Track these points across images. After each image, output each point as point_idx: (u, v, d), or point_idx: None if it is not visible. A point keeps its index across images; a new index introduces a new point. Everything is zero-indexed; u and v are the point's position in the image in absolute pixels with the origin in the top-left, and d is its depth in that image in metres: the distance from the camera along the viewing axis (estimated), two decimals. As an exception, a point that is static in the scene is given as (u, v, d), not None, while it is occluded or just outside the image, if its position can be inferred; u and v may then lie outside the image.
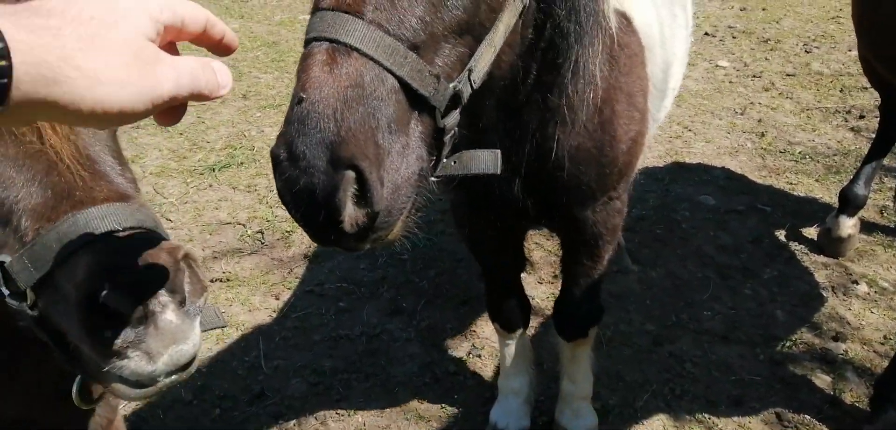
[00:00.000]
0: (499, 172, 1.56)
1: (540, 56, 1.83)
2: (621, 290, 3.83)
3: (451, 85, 1.37)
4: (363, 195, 1.22)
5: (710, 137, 5.44)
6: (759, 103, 5.91)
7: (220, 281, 3.98)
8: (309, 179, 1.19)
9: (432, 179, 1.45)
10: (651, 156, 5.22)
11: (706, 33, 7.45)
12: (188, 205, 4.75)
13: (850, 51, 6.82)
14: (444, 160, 1.47)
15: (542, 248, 4.11)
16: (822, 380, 3.24)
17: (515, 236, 2.71)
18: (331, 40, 1.25)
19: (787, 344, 3.42)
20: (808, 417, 3.05)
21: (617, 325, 3.59)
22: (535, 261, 4.02)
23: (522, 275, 3.85)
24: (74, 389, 1.28)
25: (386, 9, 1.28)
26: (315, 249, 4.21)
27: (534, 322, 3.56)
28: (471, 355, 3.46)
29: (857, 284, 3.87)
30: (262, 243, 4.30)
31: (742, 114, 5.75)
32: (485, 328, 3.61)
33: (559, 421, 2.94)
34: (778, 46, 7.15)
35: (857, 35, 3.62)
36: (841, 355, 3.38)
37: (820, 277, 3.94)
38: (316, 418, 3.10)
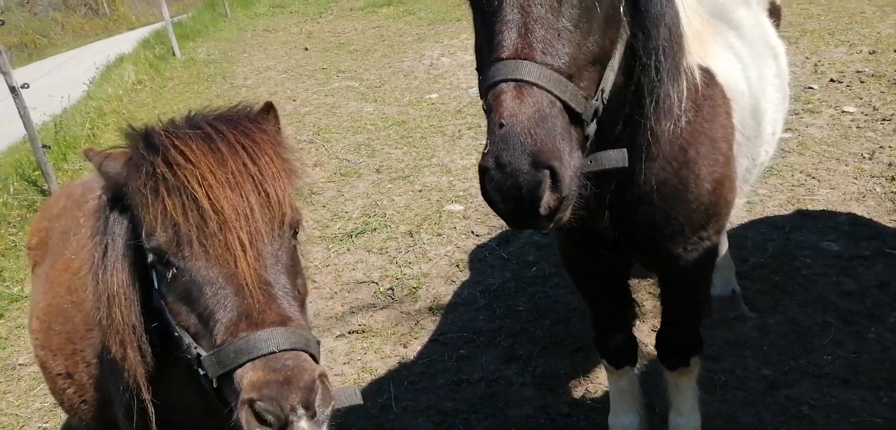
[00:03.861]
0: (626, 164, 1.94)
1: (630, 97, 2.14)
2: (737, 337, 3.87)
3: (592, 102, 1.82)
4: (555, 186, 1.67)
5: (835, 183, 5.32)
6: (890, 147, 5.70)
7: (357, 332, 4.44)
8: (515, 180, 1.63)
9: None
10: (772, 204, 5.20)
11: (832, 80, 7.26)
12: (329, 267, 5.32)
13: None
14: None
15: (654, 297, 4.23)
16: (957, 424, 3.12)
17: (617, 274, 2.92)
18: (516, 80, 1.69)
19: (914, 386, 3.32)
20: (938, 461, 2.95)
21: (732, 370, 3.63)
22: (647, 310, 4.14)
23: (636, 322, 4.03)
24: None
25: (550, 52, 1.73)
26: (439, 302, 4.59)
27: (645, 366, 3.70)
28: (585, 399, 3.64)
29: None
30: (393, 299, 4.74)
31: (870, 158, 5.57)
32: (599, 374, 3.77)
33: (669, 456, 3.05)
34: (914, 88, 6.83)
35: None
36: (979, 400, 3.23)
37: (957, 320, 3.76)
38: (440, 452, 3.40)
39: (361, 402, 1.76)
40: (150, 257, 1.65)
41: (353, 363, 4.19)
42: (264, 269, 1.56)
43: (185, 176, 1.57)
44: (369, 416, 3.71)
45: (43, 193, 7.86)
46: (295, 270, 1.67)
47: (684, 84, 2.25)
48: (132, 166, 1.66)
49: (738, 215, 5.11)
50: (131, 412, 1.93)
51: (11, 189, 7.91)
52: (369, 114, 9.05)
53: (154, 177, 1.59)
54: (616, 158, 1.94)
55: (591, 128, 1.86)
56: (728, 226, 4.79)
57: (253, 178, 1.62)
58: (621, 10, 1.95)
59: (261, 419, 1.41)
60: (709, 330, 3.93)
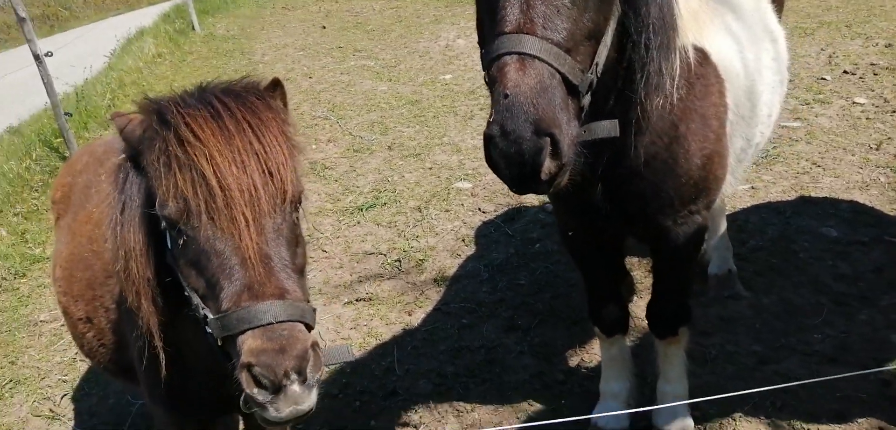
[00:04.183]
0: (617, 134, 2.05)
1: (622, 73, 2.25)
2: (730, 314, 3.98)
3: (588, 75, 1.94)
4: (555, 153, 1.79)
5: (840, 172, 5.38)
6: (898, 138, 5.74)
7: (364, 300, 4.60)
8: (519, 146, 1.75)
9: None
10: (775, 190, 5.27)
11: (845, 71, 7.28)
12: (340, 238, 5.48)
13: None
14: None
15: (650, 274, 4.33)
16: (939, 403, 3.21)
17: (611, 245, 3.03)
18: (519, 53, 1.80)
19: (899, 365, 3.42)
20: (918, 435, 3.05)
21: (723, 345, 3.74)
22: (643, 287, 4.26)
23: (634, 298, 4.15)
24: (241, 401, 1.74)
25: (549, 27, 1.84)
26: (444, 274, 4.73)
27: (638, 338, 3.83)
28: (580, 368, 3.77)
29: None
30: (400, 270, 4.89)
31: (877, 149, 5.62)
32: (595, 345, 3.90)
33: (656, 423, 3.17)
34: (927, 81, 6.85)
35: None
36: (964, 382, 3.32)
37: (949, 306, 3.84)
38: (439, 412, 3.56)
39: (354, 358, 1.91)
40: (163, 223, 1.79)
41: (359, 328, 4.35)
42: (265, 243, 1.69)
43: (195, 154, 1.70)
44: (373, 377, 3.87)
45: (64, 159, 8.07)
46: (295, 241, 1.80)
47: (676, 62, 2.35)
48: (148, 138, 1.79)
49: (741, 199, 5.21)
50: (143, 356, 2.09)
51: (34, 155, 8.13)
52: (383, 93, 9.17)
53: (166, 152, 1.72)
54: (608, 128, 2.05)
55: (586, 99, 1.97)
56: (729, 209, 4.90)
57: (257, 155, 1.74)
58: None
59: (258, 382, 1.57)
60: (704, 307, 4.04)
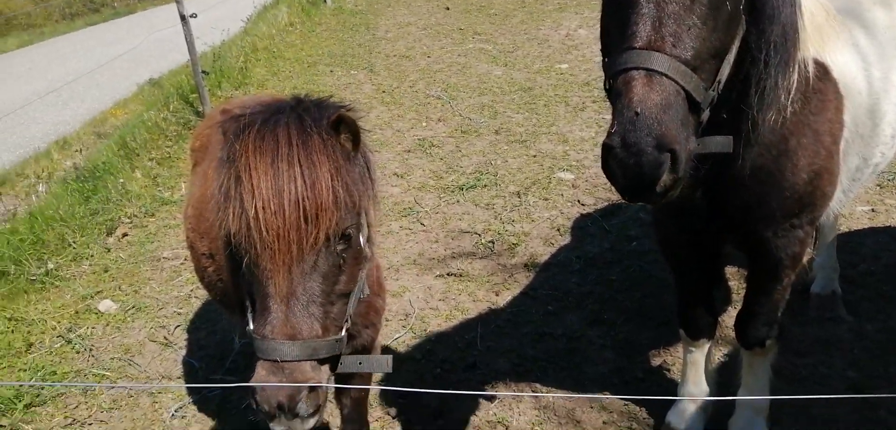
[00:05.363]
0: (731, 151, 2.10)
1: (738, 86, 2.25)
2: (829, 337, 3.81)
3: (710, 92, 1.99)
4: (673, 168, 1.86)
5: (976, 203, 4.97)
6: None
7: (455, 275, 4.76)
8: (638, 159, 1.83)
9: None
10: (898, 217, 4.95)
11: None
12: (439, 214, 5.66)
13: None
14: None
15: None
16: None
17: (706, 249, 3.00)
18: (646, 69, 1.87)
19: None
20: None
21: (816, 367, 3.60)
22: (740, 297, 4.14)
23: (729, 308, 4.06)
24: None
25: (679, 45, 1.90)
26: (535, 260, 4.80)
27: (726, 349, 3.75)
28: (661, 368, 3.75)
29: None
30: (492, 251, 5.00)
31: None
32: (680, 349, 3.85)
33: (731, 431, 3.13)
34: None
35: None
36: None
37: None
38: (515, 390, 3.66)
39: (390, 371, 2.10)
40: None
41: (447, 301, 4.51)
42: (292, 283, 1.85)
43: (244, 195, 1.86)
44: (456, 348, 4.03)
45: (198, 114, 8.75)
46: (336, 270, 1.93)
47: (794, 77, 2.32)
48: (222, 160, 1.97)
49: (859, 220, 4.93)
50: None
51: (171, 107, 8.87)
52: (498, 77, 9.27)
53: (227, 184, 1.91)
54: (722, 143, 2.10)
55: (706, 115, 2.01)
56: (844, 229, 4.66)
57: (299, 200, 1.84)
58: (740, 7, 2.07)
59: (258, 404, 1.83)
60: (801, 326, 3.90)
